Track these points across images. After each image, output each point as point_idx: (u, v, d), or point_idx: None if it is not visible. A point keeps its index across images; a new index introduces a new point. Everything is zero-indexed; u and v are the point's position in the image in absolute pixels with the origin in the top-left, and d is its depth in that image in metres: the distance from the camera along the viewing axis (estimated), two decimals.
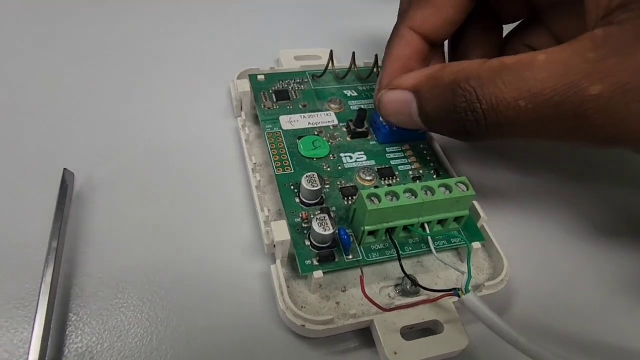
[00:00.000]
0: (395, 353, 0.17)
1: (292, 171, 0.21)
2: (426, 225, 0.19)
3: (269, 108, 0.24)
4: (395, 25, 0.23)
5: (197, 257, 0.20)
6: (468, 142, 0.19)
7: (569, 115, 0.16)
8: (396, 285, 0.20)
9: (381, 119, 0.23)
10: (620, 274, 0.22)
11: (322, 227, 0.18)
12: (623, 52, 0.15)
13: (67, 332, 0.17)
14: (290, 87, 0.25)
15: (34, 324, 0.16)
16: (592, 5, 0.17)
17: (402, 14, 0.23)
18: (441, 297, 0.18)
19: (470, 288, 0.17)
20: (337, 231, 0.19)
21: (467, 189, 0.19)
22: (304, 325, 0.17)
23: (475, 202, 0.21)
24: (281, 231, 0.18)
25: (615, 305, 0.21)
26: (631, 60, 0.15)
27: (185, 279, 0.19)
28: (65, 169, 0.21)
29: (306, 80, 0.26)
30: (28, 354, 0.15)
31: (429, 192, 0.19)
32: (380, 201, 0.18)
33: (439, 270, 0.20)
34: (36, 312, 0.16)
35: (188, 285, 0.19)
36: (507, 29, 0.25)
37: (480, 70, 0.17)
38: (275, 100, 0.24)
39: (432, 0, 0.21)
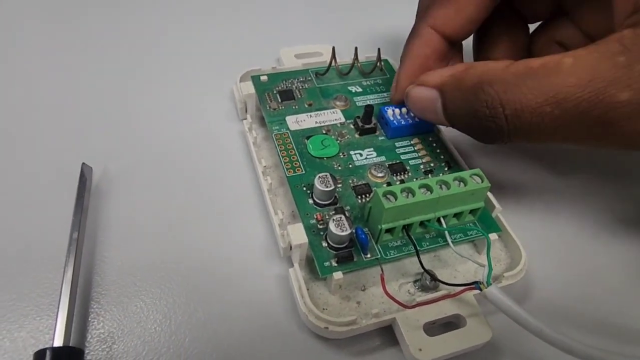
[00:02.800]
0: (420, 350, 0.17)
1: (303, 172, 0.21)
2: (442, 220, 0.19)
3: (275, 109, 0.24)
4: (415, 23, 0.22)
5: (211, 257, 0.20)
6: (489, 144, 0.19)
7: (596, 122, 0.16)
8: (415, 281, 0.19)
9: (388, 114, 0.23)
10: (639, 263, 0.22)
11: (339, 228, 0.18)
12: None
13: (89, 319, 0.18)
14: (294, 86, 0.25)
15: (57, 311, 0.17)
16: (619, 2, 0.16)
17: (423, 13, 0.22)
18: (463, 291, 0.18)
19: (491, 280, 0.17)
20: (354, 231, 0.18)
21: (482, 181, 0.19)
22: (327, 328, 0.17)
23: (488, 193, 0.20)
24: (298, 234, 0.18)
25: (635, 293, 0.21)
26: None
27: (200, 272, 0.20)
28: (83, 163, 0.21)
29: (309, 78, 0.26)
30: (53, 339, 0.16)
31: (443, 186, 0.18)
32: (396, 199, 0.18)
33: (456, 263, 0.20)
34: (59, 300, 0.17)
35: (204, 279, 0.20)
36: (534, 25, 0.24)
37: (504, 73, 0.17)
38: (280, 100, 0.24)
39: None
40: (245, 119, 0.24)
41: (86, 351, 0.17)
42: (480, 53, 0.24)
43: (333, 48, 0.26)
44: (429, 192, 0.18)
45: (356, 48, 0.26)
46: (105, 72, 0.28)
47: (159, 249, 0.20)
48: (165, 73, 0.28)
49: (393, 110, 0.23)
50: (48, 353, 0.16)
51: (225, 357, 0.18)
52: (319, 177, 0.20)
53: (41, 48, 0.29)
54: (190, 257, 0.20)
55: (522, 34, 0.23)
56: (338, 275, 0.18)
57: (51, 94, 0.26)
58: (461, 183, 0.19)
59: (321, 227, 0.19)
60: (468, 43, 0.24)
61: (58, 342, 0.16)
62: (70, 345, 0.17)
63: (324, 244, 0.19)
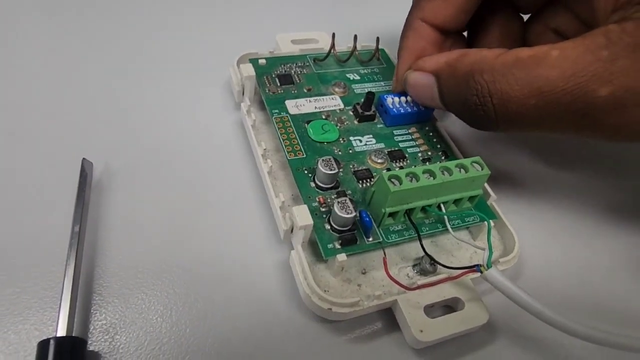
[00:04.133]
0: (421, 331, 0.17)
1: (304, 155, 0.21)
2: (442, 205, 0.20)
3: (274, 92, 0.24)
4: (407, 16, 0.23)
5: (210, 246, 0.20)
6: (483, 131, 0.19)
7: (578, 114, 0.16)
8: (414, 265, 0.20)
9: (388, 102, 0.23)
10: (629, 249, 0.23)
11: (345, 210, 0.18)
12: (635, 52, 0.15)
13: (92, 310, 0.18)
14: (292, 71, 0.25)
15: (60, 303, 0.17)
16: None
17: (414, 5, 0.23)
18: (463, 274, 0.18)
19: (491, 264, 0.18)
20: (358, 214, 0.19)
21: (482, 169, 0.19)
22: (330, 309, 0.17)
23: (486, 184, 0.21)
24: (303, 216, 0.18)
25: (627, 279, 0.22)
26: None
27: (200, 263, 0.20)
28: (84, 159, 0.21)
29: (307, 64, 0.26)
30: (56, 330, 0.16)
31: (446, 173, 0.19)
32: (401, 183, 0.18)
33: (453, 249, 0.21)
34: (62, 292, 0.17)
35: (204, 269, 0.20)
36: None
37: (494, 63, 0.17)
38: (279, 84, 0.24)
39: None
40: (243, 102, 0.24)
41: (89, 341, 0.17)
42: (473, 42, 0.24)
43: (333, 34, 0.26)
44: (432, 178, 0.19)
45: (355, 36, 0.26)
46: (102, 67, 0.27)
47: (159, 241, 0.20)
48: (160, 64, 0.28)
49: (392, 99, 0.23)
50: (52, 343, 0.16)
51: (226, 345, 0.18)
52: (323, 160, 0.20)
53: (40, 44, 0.28)
54: (190, 247, 0.20)
55: (515, 24, 0.24)
56: (342, 257, 0.18)
57: (51, 90, 0.26)
58: (462, 170, 0.19)
59: (324, 209, 0.19)
60: None
61: (61, 332, 0.16)
62: (74, 335, 0.16)
63: (327, 227, 0.19)
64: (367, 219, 0.19)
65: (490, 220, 0.20)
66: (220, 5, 0.33)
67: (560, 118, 0.17)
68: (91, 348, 0.17)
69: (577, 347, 0.19)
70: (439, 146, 0.23)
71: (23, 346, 0.17)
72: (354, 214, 0.18)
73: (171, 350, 0.17)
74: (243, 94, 0.24)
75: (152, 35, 0.30)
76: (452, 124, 0.26)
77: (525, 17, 0.25)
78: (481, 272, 0.18)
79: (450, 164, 0.19)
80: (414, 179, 0.18)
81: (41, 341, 0.16)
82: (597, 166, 0.26)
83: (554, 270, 0.21)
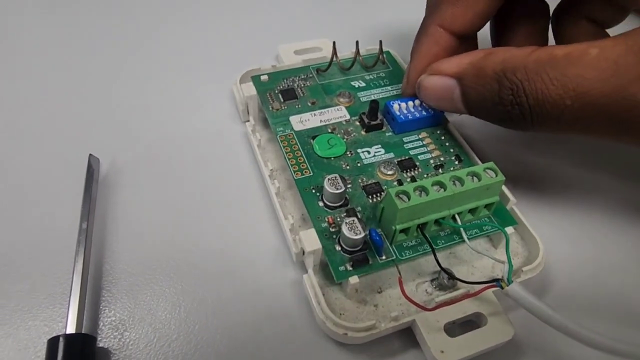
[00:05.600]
0: (442, 352, 0.17)
1: (311, 174, 0.21)
2: (457, 216, 0.19)
3: (277, 109, 0.23)
4: (423, 21, 0.22)
5: (220, 247, 0.20)
6: (515, 130, 0.18)
7: (616, 118, 0.15)
8: (432, 280, 0.19)
9: (394, 108, 0.22)
10: None
11: (353, 232, 0.17)
12: None
13: (101, 307, 0.18)
14: (295, 85, 0.24)
15: (69, 299, 0.17)
16: None
17: (431, 9, 0.22)
18: (483, 289, 0.17)
19: (512, 278, 0.17)
20: (367, 233, 0.18)
21: (496, 175, 0.18)
22: (346, 334, 0.17)
23: (504, 188, 0.20)
24: (311, 241, 0.18)
25: None
26: None
27: (209, 263, 0.20)
28: (90, 155, 0.21)
29: (311, 75, 0.25)
30: (66, 327, 0.16)
31: (457, 183, 0.18)
32: (409, 198, 0.17)
33: (473, 259, 0.20)
34: (71, 288, 0.17)
35: (213, 268, 0.20)
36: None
37: (527, 61, 0.16)
38: (282, 100, 0.24)
39: None
40: (248, 120, 0.24)
41: (98, 338, 0.17)
42: (499, 39, 0.23)
43: (334, 43, 0.25)
44: (442, 190, 0.18)
45: (357, 42, 0.25)
46: (110, 69, 0.28)
47: (167, 240, 0.20)
48: (167, 71, 0.28)
49: (399, 105, 0.22)
50: (61, 339, 0.16)
51: (237, 348, 0.18)
52: (328, 179, 0.19)
53: (48, 43, 0.29)
54: (198, 248, 0.20)
55: (542, 17, 0.23)
56: (354, 279, 0.17)
57: (59, 87, 0.26)
58: (475, 178, 0.18)
59: (333, 230, 0.19)
60: (483, 30, 0.23)
61: (71, 329, 0.16)
62: (83, 332, 0.17)
63: (338, 248, 0.18)
64: (377, 238, 0.18)
65: (509, 228, 0.19)
66: (222, 16, 0.33)
67: (597, 121, 0.16)
68: (101, 345, 0.17)
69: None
70: (452, 150, 0.22)
71: (33, 343, 0.17)
72: (363, 234, 0.17)
73: (180, 347, 0.18)
74: (247, 112, 0.24)
75: (159, 41, 0.30)
76: (465, 125, 0.25)
77: (553, 5, 0.23)
78: (502, 287, 0.17)
79: (461, 172, 0.18)
80: (422, 192, 0.18)
81: (51, 338, 0.16)
82: (623, 165, 0.24)
83: (582, 277, 0.20)
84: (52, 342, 0.16)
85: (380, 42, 0.25)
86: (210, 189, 0.22)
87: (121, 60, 0.29)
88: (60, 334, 0.16)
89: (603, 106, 0.15)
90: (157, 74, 0.28)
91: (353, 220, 0.18)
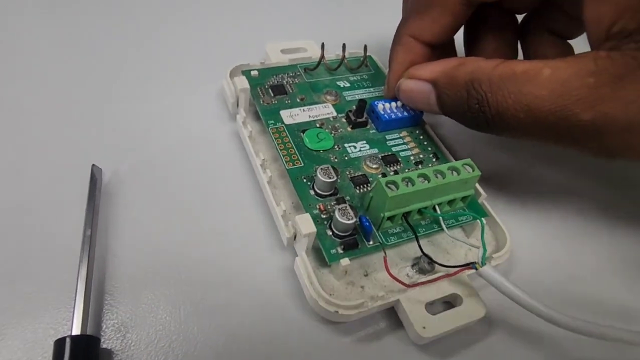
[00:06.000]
0: (424, 327, 0.18)
1: (302, 164, 0.22)
2: (437, 207, 0.20)
3: (268, 103, 0.24)
4: (397, 30, 0.23)
5: (216, 248, 0.21)
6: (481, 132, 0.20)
7: (561, 132, 0.17)
8: (413, 265, 0.21)
9: (379, 108, 0.24)
10: (614, 247, 0.24)
11: (345, 217, 0.19)
12: (618, 82, 0.16)
13: (104, 310, 0.19)
14: (284, 81, 0.26)
15: (74, 303, 0.17)
16: (592, 24, 0.17)
17: (403, 21, 0.23)
18: (460, 271, 0.19)
19: (485, 261, 0.19)
20: (358, 219, 0.19)
21: (473, 170, 0.20)
22: (337, 311, 0.18)
23: (477, 184, 0.22)
24: (307, 224, 0.19)
25: (615, 274, 0.23)
26: (622, 93, 0.16)
27: (207, 265, 0.20)
28: (93, 165, 0.22)
29: (299, 74, 0.26)
30: (71, 329, 0.17)
31: (439, 175, 0.20)
32: (398, 188, 0.19)
33: (448, 247, 0.22)
34: (76, 292, 0.18)
35: (210, 271, 0.20)
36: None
37: (491, 74, 0.18)
38: (272, 94, 0.25)
39: (428, 10, 0.22)
40: (238, 113, 0.25)
41: (102, 339, 0.18)
42: (470, 50, 0.25)
43: (322, 44, 0.26)
44: (426, 181, 0.19)
45: (344, 44, 0.27)
46: (105, 77, 0.28)
47: (167, 243, 0.21)
48: (152, 74, 0.28)
49: (383, 105, 0.24)
50: (67, 341, 0.16)
51: (234, 342, 0.18)
52: (321, 169, 0.20)
53: (45, 50, 0.29)
54: (196, 250, 0.21)
55: (510, 29, 0.24)
56: (345, 261, 0.19)
57: (59, 98, 0.26)
58: (454, 172, 0.20)
59: (324, 216, 0.20)
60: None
61: (76, 331, 0.17)
62: (88, 333, 0.17)
63: (329, 233, 0.20)
64: (367, 224, 0.19)
65: (485, 218, 0.21)
66: (208, 16, 0.33)
67: (545, 133, 0.18)
68: (104, 345, 0.18)
69: (567, 338, 0.20)
70: (429, 149, 0.24)
71: (40, 344, 0.17)
72: (354, 219, 0.19)
73: (180, 347, 0.18)
74: (237, 105, 0.25)
75: (138, 42, 0.30)
76: (441, 127, 0.27)
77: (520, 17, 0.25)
78: (476, 269, 0.19)
79: (443, 167, 0.20)
80: (409, 183, 0.19)
81: (57, 339, 0.16)
82: (586, 165, 0.27)
83: (543, 265, 0.23)
84: (59, 343, 0.16)
85: (365, 46, 0.27)
86: (204, 188, 0.23)
87: (116, 70, 0.29)
88: (66, 335, 0.17)
89: (550, 122, 0.17)
90: (146, 79, 0.28)
91: (345, 207, 0.19)
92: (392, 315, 0.20)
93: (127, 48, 0.30)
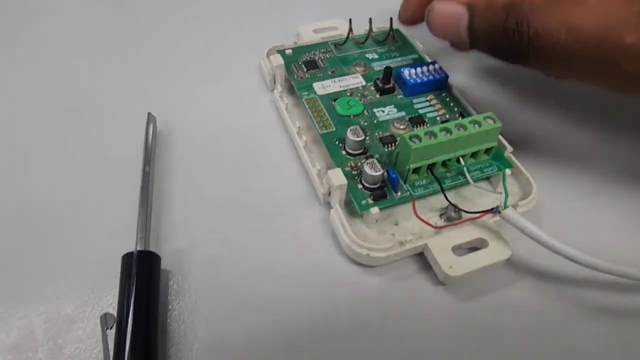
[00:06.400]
0: (451, 267, 0.20)
1: (334, 129, 0.24)
2: (461, 159, 0.22)
3: (302, 77, 0.26)
4: None
5: (259, 203, 0.23)
6: (507, 63, 0.20)
7: (602, 58, 0.18)
8: (441, 215, 0.22)
9: (405, 74, 0.25)
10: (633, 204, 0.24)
11: (373, 169, 0.21)
12: None
13: (161, 237, 0.22)
14: (316, 57, 0.28)
15: (137, 225, 0.21)
16: None
17: None
18: (484, 214, 0.20)
19: (508, 204, 0.20)
20: (385, 172, 0.21)
21: (494, 122, 0.21)
22: (368, 254, 0.20)
23: (500, 136, 0.23)
24: (338, 177, 0.21)
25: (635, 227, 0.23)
26: None
27: (250, 217, 0.23)
28: (149, 113, 0.25)
29: (329, 50, 0.28)
30: (136, 246, 0.20)
31: (461, 128, 0.21)
32: (420, 140, 0.20)
33: (475, 198, 0.23)
34: (138, 216, 0.21)
35: (255, 222, 0.23)
36: None
37: None
38: (305, 70, 0.27)
39: None
40: (275, 88, 0.27)
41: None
42: None
43: (350, 20, 0.28)
44: (448, 134, 0.21)
45: (370, 19, 0.28)
46: (160, 47, 0.32)
47: (214, 187, 0.24)
48: (202, 53, 0.32)
49: (409, 71, 0.25)
50: (135, 254, 0.19)
51: (278, 284, 0.21)
52: (351, 129, 0.22)
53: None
54: (240, 197, 0.24)
55: None
56: (375, 210, 0.21)
57: (121, 60, 0.31)
58: (476, 125, 0.21)
59: (355, 173, 0.22)
60: None
61: (140, 247, 0.20)
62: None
63: (359, 186, 0.21)
64: (394, 176, 0.21)
65: (506, 169, 0.22)
66: (246, 5, 0.36)
67: (585, 60, 0.18)
68: (163, 267, 0.20)
69: (588, 282, 0.21)
70: (456, 109, 0.25)
71: (111, 258, 0.20)
72: (382, 171, 0.21)
73: (229, 268, 0.21)
74: (274, 81, 0.27)
75: (195, 27, 0.34)
76: (467, 91, 0.28)
77: None
78: (499, 212, 0.20)
79: (465, 120, 0.21)
80: (432, 136, 0.21)
81: (125, 254, 0.19)
82: (608, 127, 0.27)
83: (569, 217, 0.23)
84: (127, 257, 0.19)
85: (391, 19, 0.29)
86: (246, 150, 0.26)
87: (167, 43, 0.33)
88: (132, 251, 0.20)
89: (593, 46, 0.17)
90: (197, 57, 0.31)
91: (373, 161, 0.21)
92: (421, 260, 0.21)
93: (181, 29, 0.34)
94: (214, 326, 0.19)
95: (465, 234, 0.21)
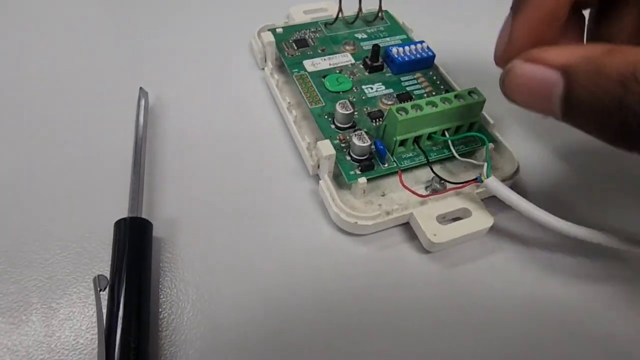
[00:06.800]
0: (435, 234, 0.20)
1: (324, 104, 0.24)
2: (446, 132, 0.22)
3: (292, 55, 0.27)
4: None
5: (251, 176, 0.24)
6: (616, 147, 0.15)
7: None
8: (426, 187, 0.23)
9: (393, 52, 0.26)
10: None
11: (361, 140, 0.21)
12: None
13: (154, 206, 0.23)
14: (307, 36, 0.28)
15: (130, 193, 0.21)
16: None
17: None
18: (467, 184, 0.21)
19: (490, 174, 0.21)
20: (373, 143, 0.22)
21: (478, 96, 0.22)
22: (356, 222, 0.21)
23: (484, 112, 0.24)
24: (327, 147, 0.21)
25: (615, 199, 0.24)
26: None
27: (241, 189, 0.23)
28: (140, 87, 0.26)
29: (319, 29, 0.29)
30: (128, 213, 0.20)
31: (446, 102, 0.22)
32: (407, 113, 0.21)
33: (459, 172, 0.24)
34: (130, 183, 0.21)
35: (245, 186, 0.24)
36: None
37: None
38: (296, 48, 0.27)
39: None
40: (266, 66, 0.27)
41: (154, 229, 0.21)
42: (601, 26, 0.19)
43: (340, 0, 0.29)
44: (434, 107, 0.22)
45: (360, 0, 0.29)
46: (152, 19, 0.33)
47: (205, 158, 0.25)
48: (193, 27, 0.33)
49: (397, 49, 0.26)
50: (127, 220, 0.20)
51: (267, 252, 0.21)
52: (339, 103, 0.23)
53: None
54: (230, 166, 0.24)
55: None
56: (362, 180, 0.21)
57: (111, 37, 0.32)
58: (461, 99, 0.22)
59: (344, 145, 0.23)
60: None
61: (132, 214, 0.20)
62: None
63: (348, 158, 0.22)
64: (382, 147, 0.22)
65: (490, 143, 0.23)
66: None
67: None
68: (155, 235, 0.21)
69: (565, 244, 0.22)
70: (442, 87, 0.26)
71: (102, 225, 0.21)
72: (369, 142, 0.21)
73: (220, 242, 0.21)
74: (265, 59, 0.28)
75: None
76: (453, 70, 0.29)
77: None
78: (482, 181, 0.21)
79: (450, 95, 0.22)
80: (418, 109, 0.21)
81: (118, 220, 0.20)
82: None
83: (552, 188, 0.24)
84: (119, 223, 0.20)
85: (380, 0, 0.29)
86: (237, 124, 0.26)
87: (156, 16, 0.33)
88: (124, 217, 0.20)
89: None
90: (189, 28, 0.32)
91: (361, 132, 0.22)
92: (407, 230, 0.22)
93: (174, 7, 0.34)
94: (205, 293, 0.20)
95: (449, 204, 0.22)
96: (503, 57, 0.18)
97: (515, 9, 0.17)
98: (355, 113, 0.24)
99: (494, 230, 0.22)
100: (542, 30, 0.17)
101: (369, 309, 0.20)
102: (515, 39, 0.17)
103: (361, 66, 0.27)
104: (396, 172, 0.22)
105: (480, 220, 0.21)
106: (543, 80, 0.16)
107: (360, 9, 0.29)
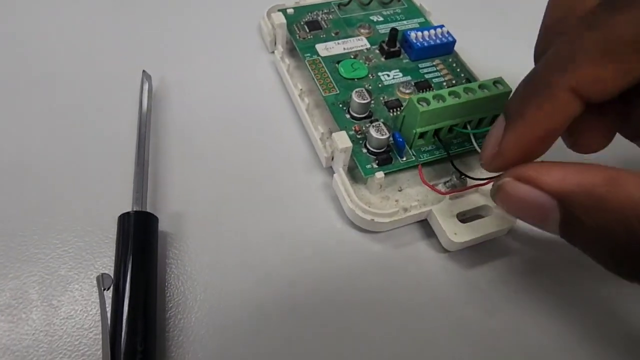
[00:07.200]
0: (455, 234, 0.19)
1: (338, 92, 0.23)
2: (467, 125, 0.21)
3: (304, 38, 0.25)
4: (545, 73, 0.15)
5: (260, 168, 0.23)
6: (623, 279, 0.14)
7: None
8: (446, 182, 0.22)
9: (411, 37, 0.24)
10: None
11: (379, 132, 0.20)
12: None
13: (159, 198, 0.21)
14: (319, 18, 0.27)
15: (134, 186, 0.20)
16: None
17: (560, 64, 0.15)
18: (489, 181, 0.20)
19: None
20: (392, 135, 0.21)
21: (503, 87, 0.21)
22: (372, 219, 0.20)
23: None
24: (343, 140, 0.20)
25: None
26: None
27: (250, 181, 0.22)
28: (143, 71, 0.24)
29: (333, 10, 0.27)
30: (132, 207, 0.19)
31: (470, 93, 0.20)
32: (429, 104, 0.20)
33: (479, 167, 0.22)
34: (134, 177, 0.20)
35: (256, 178, 0.23)
36: None
37: None
38: (308, 30, 0.26)
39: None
40: (276, 49, 0.26)
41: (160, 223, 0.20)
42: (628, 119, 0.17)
43: None
44: (457, 98, 0.20)
45: None
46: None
47: (212, 147, 0.23)
48: (199, 10, 0.31)
49: (415, 34, 0.25)
50: (131, 214, 0.19)
51: (280, 246, 0.20)
52: (356, 91, 0.22)
53: None
54: (237, 157, 0.23)
55: None
56: (380, 174, 0.20)
57: (115, 19, 0.30)
58: (485, 90, 0.21)
59: (359, 136, 0.21)
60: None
61: (137, 208, 0.19)
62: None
63: (364, 150, 0.21)
64: (400, 140, 0.21)
65: None
66: None
67: None
68: (161, 229, 0.20)
69: None
70: (462, 75, 0.25)
71: (105, 219, 0.20)
72: (388, 134, 0.20)
73: (229, 229, 0.20)
74: (275, 42, 0.26)
75: None
76: (472, 57, 0.27)
77: None
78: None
79: (474, 84, 0.21)
80: (440, 100, 0.20)
81: (122, 214, 0.19)
82: None
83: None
84: (124, 217, 0.19)
85: None
86: (245, 111, 0.25)
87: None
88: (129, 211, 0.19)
89: None
90: (193, 7, 0.31)
91: (379, 124, 0.20)
92: (425, 227, 0.21)
93: None
94: (214, 289, 0.19)
95: (469, 201, 0.21)
96: (491, 164, 0.17)
97: (508, 119, 0.16)
98: (372, 102, 0.23)
99: (516, 227, 0.21)
100: (534, 149, 0.16)
101: (384, 310, 0.19)
102: (505, 151, 0.16)
103: (377, 51, 0.25)
104: (414, 167, 0.21)
105: (502, 219, 0.20)
106: (538, 204, 0.15)
107: None
